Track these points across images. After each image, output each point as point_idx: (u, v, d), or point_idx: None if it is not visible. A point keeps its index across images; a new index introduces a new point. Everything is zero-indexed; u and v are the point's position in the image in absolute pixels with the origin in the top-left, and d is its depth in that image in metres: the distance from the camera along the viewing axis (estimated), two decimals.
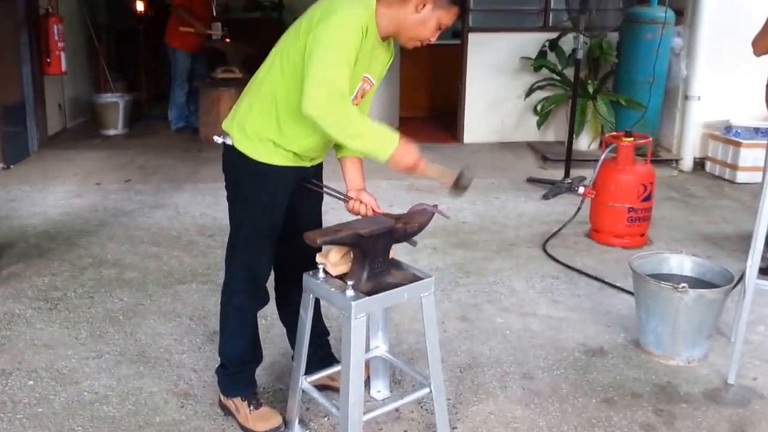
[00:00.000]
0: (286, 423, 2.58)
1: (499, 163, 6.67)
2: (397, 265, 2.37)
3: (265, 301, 2.62)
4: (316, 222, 2.68)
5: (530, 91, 7.03)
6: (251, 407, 2.61)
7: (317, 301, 2.69)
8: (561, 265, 4.23)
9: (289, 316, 2.74)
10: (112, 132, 7.73)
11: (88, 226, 4.85)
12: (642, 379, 3.01)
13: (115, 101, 7.73)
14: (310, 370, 2.60)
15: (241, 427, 2.62)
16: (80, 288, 3.84)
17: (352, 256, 2.26)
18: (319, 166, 2.64)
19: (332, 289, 2.16)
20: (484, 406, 2.79)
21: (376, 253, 2.21)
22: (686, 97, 6.52)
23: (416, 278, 2.29)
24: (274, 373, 3.01)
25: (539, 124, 7.05)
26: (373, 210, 2.47)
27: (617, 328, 3.46)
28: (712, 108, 6.46)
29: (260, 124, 2.38)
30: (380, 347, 2.67)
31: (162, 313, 3.55)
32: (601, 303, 3.74)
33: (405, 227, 2.27)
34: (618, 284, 3.94)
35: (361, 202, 2.49)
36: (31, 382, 2.91)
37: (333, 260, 2.25)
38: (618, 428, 2.66)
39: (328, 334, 2.85)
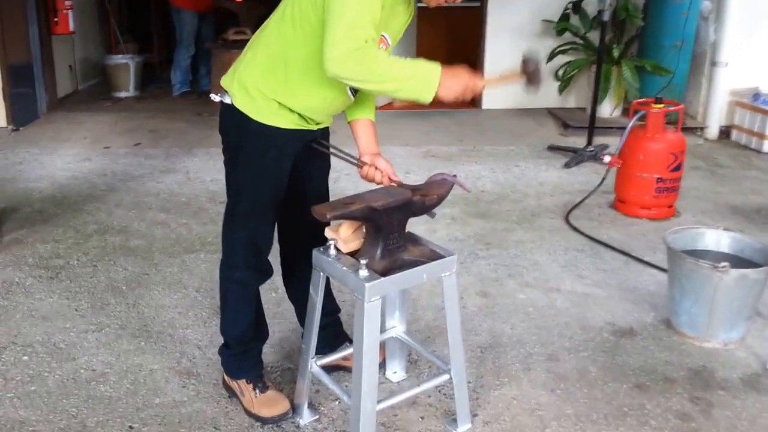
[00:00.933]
0: (294, 408, 2.41)
1: (519, 129, 6.43)
2: (414, 239, 2.16)
3: (268, 273, 2.43)
4: (323, 191, 2.47)
5: (552, 56, 6.74)
6: (257, 391, 2.44)
7: (327, 278, 2.52)
8: (585, 238, 4.02)
9: (298, 293, 2.57)
10: (123, 94, 7.57)
11: (96, 191, 4.70)
12: (675, 362, 2.81)
13: (125, 62, 7.54)
14: (320, 349, 2.43)
15: (246, 411, 2.45)
16: (83, 256, 3.68)
17: (364, 230, 2.06)
18: (326, 131, 2.42)
19: (344, 268, 1.96)
20: (507, 390, 2.61)
21: (391, 228, 2.01)
22: (714, 63, 6.24)
23: (436, 255, 2.07)
24: (283, 350, 2.84)
25: (561, 90, 6.79)
26: (390, 178, 2.26)
27: (646, 306, 3.26)
28: (740, 75, 6.18)
29: (265, 81, 2.15)
30: (397, 327, 2.49)
31: (167, 284, 3.38)
32: (628, 278, 3.53)
33: (423, 199, 2.06)
34: (645, 258, 3.73)
35: (376, 168, 2.28)
36: (25, 358, 2.75)
37: (344, 235, 2.05)
38: (652, 417, 2.48)
39: (338, 311, 2.66)
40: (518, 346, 2.90)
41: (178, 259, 3.65)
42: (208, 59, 7.31)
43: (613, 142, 5.66)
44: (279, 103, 2.15)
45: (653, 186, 4.28)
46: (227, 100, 2.21)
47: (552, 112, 6.86)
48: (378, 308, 1.92)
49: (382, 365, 2.63)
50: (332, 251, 2.04)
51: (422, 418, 2.44)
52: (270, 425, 2.39)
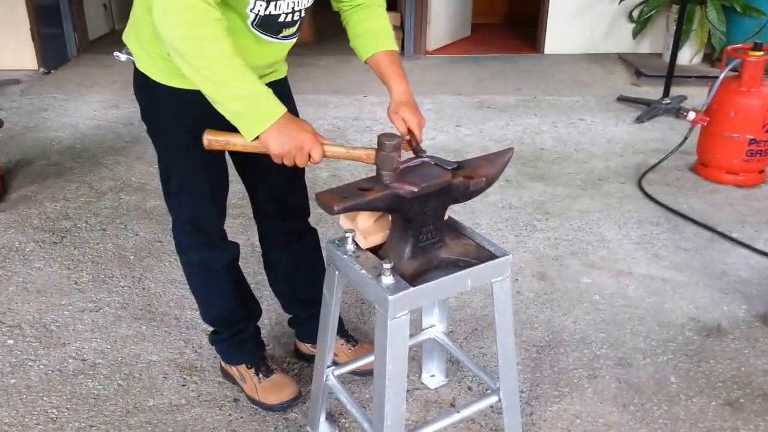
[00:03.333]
0: (309, 421, 2.00)
1: (585, 77, 5.79)
2: (455, 231, 1.67)
3: (230, 250, 2.01)
4: None
5: None
6: (260, 375, 2.11)
7: (317, 244, 2.13)
8: (661, 208, 3.47)
9: (274, 280, 2.21)
10: None
11: (119, 143, 4.32)
12: None
13: None
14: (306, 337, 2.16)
15: (249, 398, 2.12)
16: (93, 218, 3.32)
17: (390, 219, 1.59)
18: (282, 84, 1.91)
19: (362, 271, 1.49)
20: (568, 404, 2.15)
21: (424, 220, 1.53)
22: None
23: (485, 254, 1.58)
24: None
25: (635, 33, 6.10)
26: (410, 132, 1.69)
27: (736, 296, 2.73)
28: None
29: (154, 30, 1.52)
30: (436, 326, 2.04)
31: None
32: (714, 260, 3.00)
33: (467, 182, 1.54)
34: (734, 235, 3.18)
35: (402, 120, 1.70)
36: (11, 341, 2.41)
37: (363, 227, 1.57)
38: None
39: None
40: (582, 345, 2.43)
41: None
42: None
43: (692, 94, 5.04)
44: None
45: (744, 148, 3.68)
46: (133, 59, 1.76)
47: (623, 58, 6.18)
48: (406, 324, 1.47)
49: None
50: (349, 246, 1.57)
51: None
52: (278, 412, 2.08)
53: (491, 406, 2.05)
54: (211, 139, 1.51)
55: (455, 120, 4.72)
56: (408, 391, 2.12)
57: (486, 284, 1.61)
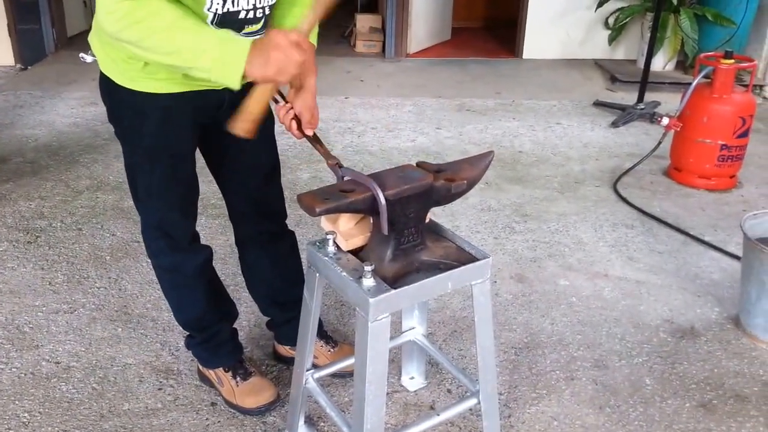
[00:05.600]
0: (288, 426, 2.00)
1: (563, 82, 5.85)
2: (436, 233, 1.68)
3: (201, 253, 2.00)
4: (267, 156, 1.98)
5: (602, 1, 6.11)
6: (238, 378, 2.10)
7: (295, 246, 2.13)
8: (636, 211, 3.51)
9: (250, 284, 2.21)
10: None
11: (97, 140, 4.28)
12: (747, 374, 2.35)
13: None
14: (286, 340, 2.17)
15: (226, 402, 2.11)
16: (69, 217, 3.28)
17: (371, 222, 1.59)
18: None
19: (343, 273, 1.50)
20: (545, 406, 2.17)
21: (405, 222, 1.53)
22: None
23: (465, 257, 1.59)
24: None
25: (611, 40, 6.17)
26: (299, 128, 1.73)
27: (709, 298, 2.77)
28: None
29: None
30: (416, 329, 2.04)
31: None
32: (687, 263, 3.04)
33: (448, 185, 1.56)
34: (706, 238, 3.23)
35: (292, 110, 1.73)
36: None
37: (344, 229, 1.58)
38: None
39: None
40: (559, 347, 2.45)
41: None
42: None
43: (666, 99, 5.11)
44: (144, 61, 1.62)
45: (716, 153, 3.74)
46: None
47: (599, 64, 6.25)
48: (386, 327, 1.47)
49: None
50: (330, 248, 1.57)
51: None
52: (256, 416, 2.07)
53: (470, 409, 2.07)
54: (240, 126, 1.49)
55: (435, 122, 4.74)
56: (387, 393, 2.12)
57: (466, 286, 1.62)
